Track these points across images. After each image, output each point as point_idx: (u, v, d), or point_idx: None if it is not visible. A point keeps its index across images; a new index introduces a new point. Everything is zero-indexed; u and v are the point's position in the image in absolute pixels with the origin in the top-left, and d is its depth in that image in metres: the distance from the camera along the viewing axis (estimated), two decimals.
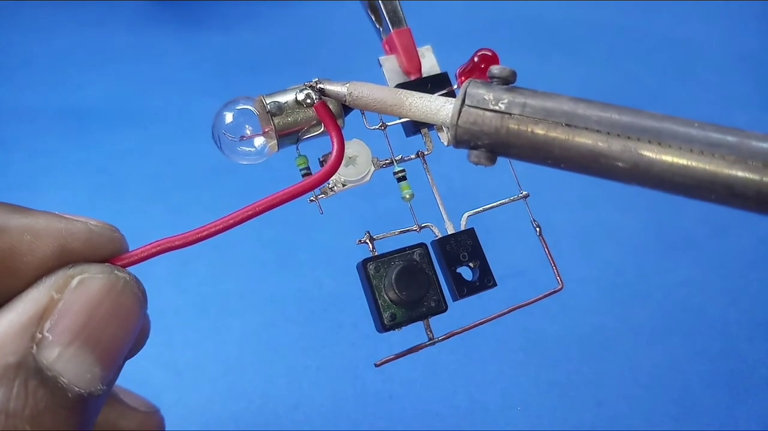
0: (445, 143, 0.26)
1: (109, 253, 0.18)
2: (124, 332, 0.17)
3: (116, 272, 0.17)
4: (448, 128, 0.19)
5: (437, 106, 0.20)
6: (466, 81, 0.19)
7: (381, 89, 0.21)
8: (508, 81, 0.19)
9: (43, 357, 0.15)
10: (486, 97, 0.18)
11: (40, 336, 0.15)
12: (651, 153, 0.17)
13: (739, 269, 0.49)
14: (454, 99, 0.19)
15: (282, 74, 0.61)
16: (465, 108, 0.18)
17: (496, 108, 0.18)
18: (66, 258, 0.17)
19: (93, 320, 0.16)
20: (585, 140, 0.17)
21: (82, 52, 0.64)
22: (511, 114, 0.18)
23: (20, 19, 0.66)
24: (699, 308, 0.47)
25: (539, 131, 0.18)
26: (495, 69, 0.19)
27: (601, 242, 0.51)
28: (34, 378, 0.15)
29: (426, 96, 0.20)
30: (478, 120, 0.18)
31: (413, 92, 0.20)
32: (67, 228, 0.17)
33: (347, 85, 0.21)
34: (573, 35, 0.68)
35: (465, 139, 0.19)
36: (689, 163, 0.16)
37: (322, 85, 0.21)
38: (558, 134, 0.18)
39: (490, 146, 0.18)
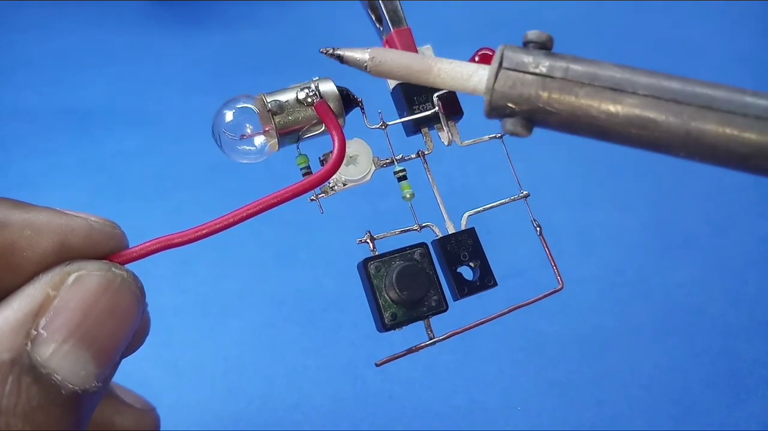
0: (446, 143, 0.26)
1: (110, 249, 0.18)
2: (121, 329, 0.17)
3: (114, 269, 0.17)
4: (480, 94, 0.18)
5: (469, 72, 0.19)
6: (501, 45, 0.18)
7: (406, 55, 0.19)
8: (545, 47, 0.18)
9: (37, 354, 0.15)
10: (525, 60, 0.17)
11: (35, 332, 0.15)
12: (703, 119, 0.16)
13: (739, 269, 0.49)
14: (487, 66, 0.18)
15: (282, 74, 0.61)
16: (503, 71, 0.17)
17: (537, 71, 0.17)
18: (66, 254, 0.17)
19: (89, 318, 0.16)
20: (633, 105, 0.16)
21: (82, 52, 0.64)
22: (553, 77, 0.17)
23: (20, 19, 0.66)
24: (699, 308, 0.47)
25: (584, 95, 0.17)
26: (532, 33, 0.18)
27: (601, 242, 0.51)
28: (28, 374, 0.15)
29: (456, 62, 0.19)
30: (517, 84, 0.17)
31: (442, 58, 0.19)
32: (67, 224, 0.17)
33: (369, 50, 0.20)
34: (573, 35, 0.68)
35: (501, 105, 0.17)
36: (743, 131, 0.16)
37: (340, 52, 0.20)
38: (604, 98, 0.17)
39: (528, 112, 0.17)
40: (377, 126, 0.25)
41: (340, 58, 0.20)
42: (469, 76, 0.19)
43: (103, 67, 0.63)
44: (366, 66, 0.20)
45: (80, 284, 0.16)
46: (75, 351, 0.16)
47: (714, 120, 0.16)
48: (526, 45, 0.18)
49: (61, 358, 0.16)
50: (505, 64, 0.17)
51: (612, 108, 0.17)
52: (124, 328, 0.17)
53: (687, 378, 0.44)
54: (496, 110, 0.18)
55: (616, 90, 0.17)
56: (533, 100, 0.17)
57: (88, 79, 0.61)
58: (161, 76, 0.62)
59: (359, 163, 0.24)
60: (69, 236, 0.17)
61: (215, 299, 0.47)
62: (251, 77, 0.61)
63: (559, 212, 0.52)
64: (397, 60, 0.19)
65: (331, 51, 0.20)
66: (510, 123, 0.18)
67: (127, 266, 0.18)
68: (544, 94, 0.17)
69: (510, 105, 0.17)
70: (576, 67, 0.17)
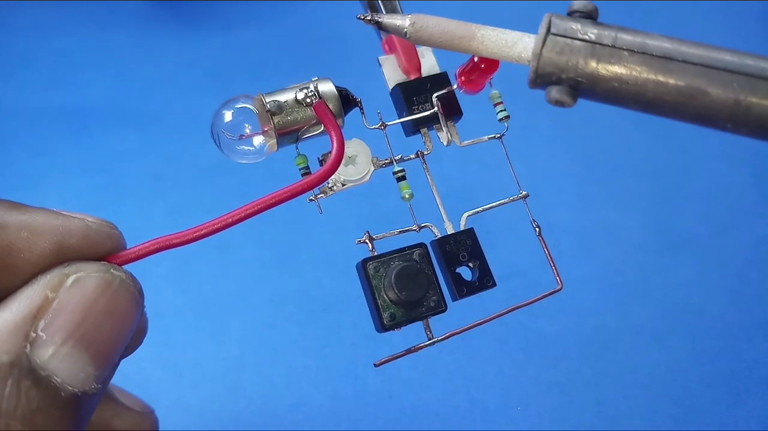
0: (445, 143, 0.26)
1: (107, 250, 0.18)
2: (120, 331, 0.17)
3: (112, 270, 0.17)
4: (524, 63, 0.18)
5: (513, 38, 0.18)
6: (548, 13, 0.18)
7: (448, 21, 0.19)
8: (591, 16, 0.18)
9: (36, 356, 0.15)
10: (573, 26, 0.17)
11: (34, 335, 0.15)
12: (754, 89, 0.16)
13: (739, 269, 0.49)
14: (533, 34, 0.18)
15: (282, 74, 0.61)
16: (550, 37, 0.17)
17: (586, 38, 0.17)
18: (64, 255, 0.17)
19: (87, 320, 0.16)
20: (683, 73, 0.16)
21: (82, 52, 0.64)
22: (602, 44, 0.17)
23: (20, 19, 0.66)
24: (699, 308, 0.47)
25: (634, 63, 0.17)
26: (577, 3, 0.18)
27: (600, 242, 0.51)
28: (27, 377, 0.15)
29: (500, 29, 0.19)
30: (565, 49, 0.17)
31: (486, 26, 0.19)
32: (64, 225, 0.17)
33: (409, 16, 0.19)
34: None
35: (547, 71, 0.17)
36: None
37: (378, 18, 0.19)
38: (654, 66, 0.17)
39: (575, 80, 0.17)
40: (376, 126, 0.25)
41: (379, 25, 0.19)
42: (514, 43, 0.18)
43: (103, 67, 0.63)
44: (406, 32, 0.19)
45: (79, 285, 0.16)
46: (74, 352, 0.16)
47: (765, 90, 0.16)
48: (572, 15, 0.18)
49: (60, 360, 0.16)
50: (552, 30, 0.17)
51: (661, 76, 0.17)
52: (123, 329, 0.17)
53: (687, 378, 0.44)
54: (542, 78, 0.18)
55: (666, 58, 0.17)
56: (581, 67, 0.17)
57: (88, 79, 0.61)
58: (161, 76, 0.62)
59: (358, 163, 0.24)
60: (66, 237, 0.17)
61: (215, 299, 0.47)
62: (251, 77, 0.61)
63: (559, 212, 0.52)
64: (438, 26, 0.19)
65: (369, 17, 0.19)
66: (555, 91, 0.17)
67: (126, 266, 0.18)
68: (593, 61, 0.17)
69: (556, 72, 0.17)
70: (625, 36, 0.17)
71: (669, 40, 0.17)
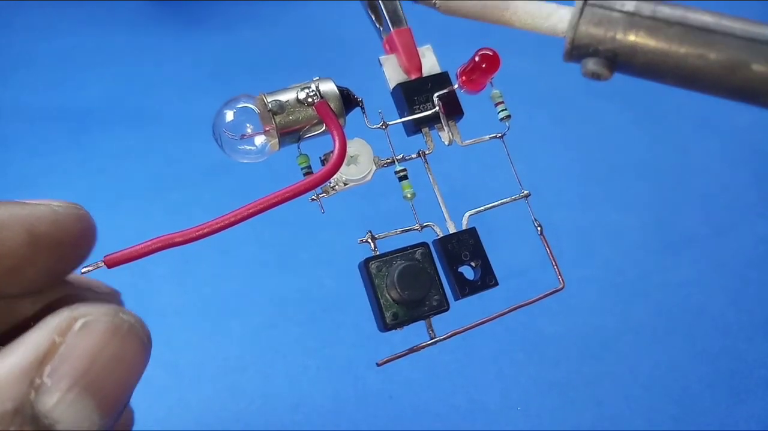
0: (446, 143, 0.26)
1: (78, 231, 0.18)
2: (127, 377, 0.17)
3: (121, 314, 0.17)
4: (559, 35, 0.17)
5: (548, 10, 0.18)
6: None
7: None
8: None
9: (40, 404, 0.15)
10: None
11: (39, 381, 0.15)
12: None
13: (739, 269, 0.49)
14: (568, 7, 0.17)
15: (282, 74, 0.61)
16: (588, 7, 0.17)
17: (624, 9, 0.17)
18: (36, 243, 0.17)
19: (95, 366, 0.16)
20: (725, 46, 0.16)
21: (82, 52, 0.64)
22: (641, 16, 0.16)
23: (20, 19, 0.66)
24: (699, 308, 0.47)
25: (673, 34, 0.16)
26: None
27: (601, 242, 0.51)
28: (31, 425, 0.15)
29: (534, 0, 0.18)
30: (603, 20, 0.17)
31: None
32: (31, 213, 0.17)
33: None
34: None
35: (584, 43, 0.17)
36: None
37: None
38: (695, 38, 0.16)
39: (612, 52, 0.17)
40: (378, 126, 0.25)
41: None
42: (549, 14, 0.18)
43: (103, 67, 0.63)
44: (435, 3, 0.19)
45: (87, 330, 0.16)
46: (79, 399, 0.15)
47: None
48: None
49: (65, 408, 0.15)
50: (590, 1, 0.17)
51: (702, 49, 0.16)
52: (131, 376, 0.17)
53: (687, 378, 0.44)
54: (578, 49, 0.17)
55: (707, 31, 0.16)
56: (619, 39, 0.17)
57: (88, 79, 0.61)
58: (161, 76, 0.62)
59: (360, 163, 0.24)
60: (36, 225, 0.17)
61: (216, 299, 0.47)
62: (251, 77, 0.61)
63: (560, 212, 0.52)
64: None
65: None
66: (592, 63, 0.17)
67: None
68: (631, 33, 0.16)
69: (593, 43, 0.17)
70: (664, 9, 0.17)
71: (710, 13, 0.16)
